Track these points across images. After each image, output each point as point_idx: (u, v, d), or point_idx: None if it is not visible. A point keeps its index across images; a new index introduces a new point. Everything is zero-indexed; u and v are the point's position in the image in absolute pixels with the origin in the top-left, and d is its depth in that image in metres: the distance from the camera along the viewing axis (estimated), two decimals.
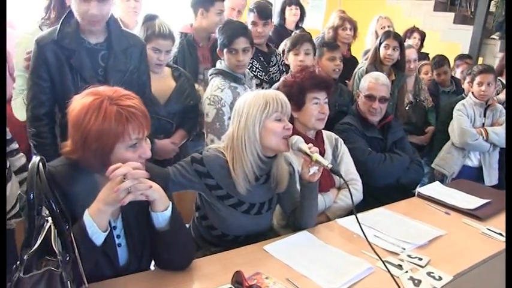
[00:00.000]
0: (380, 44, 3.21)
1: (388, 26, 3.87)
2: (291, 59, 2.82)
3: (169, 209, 1.38)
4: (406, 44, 3.47)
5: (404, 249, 1.76)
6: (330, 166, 1.66)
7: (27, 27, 2.42)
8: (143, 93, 2.07)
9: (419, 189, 2.40)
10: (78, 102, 1.29)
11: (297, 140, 1.73)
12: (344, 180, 1.75)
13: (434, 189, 2.42)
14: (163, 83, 2.47)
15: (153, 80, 2.40)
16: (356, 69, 3.31)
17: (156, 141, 2.43)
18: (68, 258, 1.06)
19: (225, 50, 2.42)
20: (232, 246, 1.75)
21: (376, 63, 3.18)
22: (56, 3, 2.26)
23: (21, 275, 1.01)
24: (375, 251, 1.51)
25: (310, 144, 1.73)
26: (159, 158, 2.43)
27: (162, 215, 1.37)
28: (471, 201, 2.26)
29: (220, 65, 2.50)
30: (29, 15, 2.90)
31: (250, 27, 2.98)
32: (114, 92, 1.31)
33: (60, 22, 1.96)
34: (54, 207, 1.06)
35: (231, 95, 2.39)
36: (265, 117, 1.72)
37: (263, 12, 3.05)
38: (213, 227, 1.85)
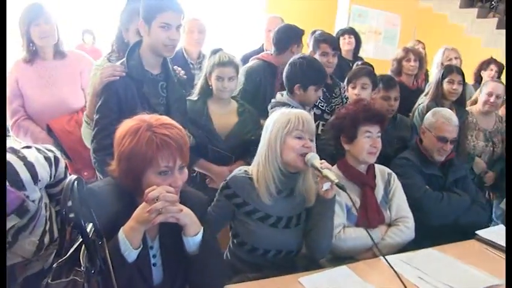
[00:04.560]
0: (443, 78, 3.09)
1: (455, 58, 3.72)
2: (349, 92, 2.85)
3: (200, 234, 1.43)
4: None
5: None
6: (336, 181, 1.70)
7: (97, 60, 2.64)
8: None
9: (479, 232, 2.24)
10: (124, 126, 1.40)
11: (312, 156, 1.78)
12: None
13: (496, 232, 2.24)
14: (226, 118, 2.58)
15: (218, 115, 2.55)
16: (416, 105, 3.19)
17: (214, 167, 2.52)
18: (93, 272, 1.14)
19: (311, 87, 2.49)
20: (263, 264, 1.87)
21: (437, 99, 3.07)
22: (116, 40, 2.44)
23: (49, 281, 1.11)
24: None
25: (323, 161, 1.78)
26: (216, 187, 2.47)
27: (192, 240, 1.41)
28: None
29: (281, 97, 2.56)
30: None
31: (318, 58, 2.98)
32: (156, 120, 1.39)
33: (126, 56, 2.10)
34: (83, 224, 1.15)
35: None
36: (286, 134, 1.81)
37: (333, 43, 3.07)
38: (244, 243, 1.92)
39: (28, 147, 1.55)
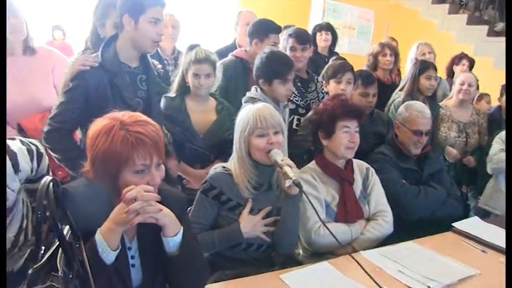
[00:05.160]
0: (419, 74, 3.16)
1: (429, 52, 3.78)
2: (332, 87, 2.79)
3: (180, 234, 1.38)
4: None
5: (429, 287, 1.68)
6: (294, 178, 1.70)
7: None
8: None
9: (455, 224, 2.28)
10: (96, 124, 1.35)
11: (274, 153, 1.80)
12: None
13: (471, 224, 2.30)
14: (205, 116, 2.55)
15: (196, 112, 2.52)
16: (391, 100, 3.25)
17: (192, 170, 2.50)
18: (71, 276, 1.09)
19: (276, 81, 2.43)
20: (244, 258, 1.88)
21: (413, 94, 3.13)
22: (91, 36, 2.39)
23: None
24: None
25: (285, 157, 1.81)
26: (193, 187, 2.42)
27: (172, 240, 1.37)
28: None
29: (256, 92, 2.51)
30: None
31: (288, 52, 2.98)
32: (129, 117, 1.34)
33: (101, 49, 2.05)
34: (59, 226, 1.10)
35: None
36: (249, 135, 1.86)
37: (301, 38, 3.02)
38: None
39: (12, 138, 1.54)
